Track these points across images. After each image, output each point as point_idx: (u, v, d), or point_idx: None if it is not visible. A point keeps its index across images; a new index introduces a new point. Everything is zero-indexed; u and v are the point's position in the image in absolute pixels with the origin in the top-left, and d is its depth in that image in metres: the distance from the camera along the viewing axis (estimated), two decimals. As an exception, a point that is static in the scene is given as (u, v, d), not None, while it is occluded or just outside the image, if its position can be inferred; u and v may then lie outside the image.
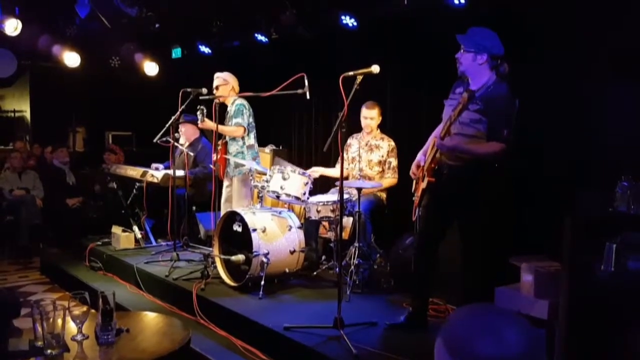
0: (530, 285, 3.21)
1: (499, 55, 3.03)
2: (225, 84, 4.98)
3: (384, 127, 4.86)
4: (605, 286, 2.58)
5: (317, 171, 4.88)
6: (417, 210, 3.40)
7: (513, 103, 3.01)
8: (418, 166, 3.39)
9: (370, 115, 4.68)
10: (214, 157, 4.93)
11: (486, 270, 3.20)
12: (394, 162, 4.68)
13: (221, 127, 4.79)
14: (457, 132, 3.05)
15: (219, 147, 4.91)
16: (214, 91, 4.96)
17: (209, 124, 4.74)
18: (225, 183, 5.09)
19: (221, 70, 5.07)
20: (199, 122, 4.79)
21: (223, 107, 5.04)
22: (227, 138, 4.95)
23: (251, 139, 4.95)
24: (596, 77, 3.48)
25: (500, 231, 3.46)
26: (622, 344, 2.45)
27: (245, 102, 4.94)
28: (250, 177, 4.65)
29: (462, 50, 3.08)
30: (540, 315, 3.07)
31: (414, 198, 3.45)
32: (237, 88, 5.03)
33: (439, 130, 3.28)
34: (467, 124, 3.04)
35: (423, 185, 3.27)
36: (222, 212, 4.85)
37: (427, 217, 3.30)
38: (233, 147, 4.94)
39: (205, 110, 4.71)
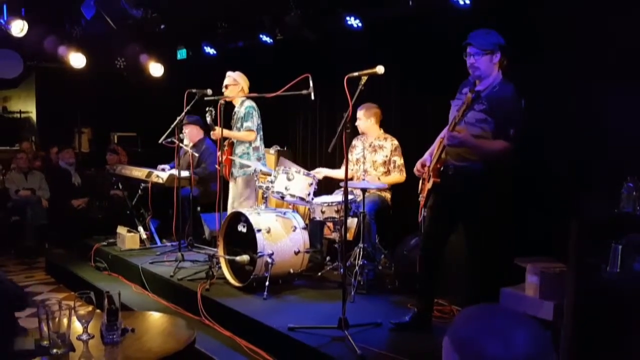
0: (535, 286, 3.21)
1: (507, 51, 3.05)
2: (235, 84, 4.99)
3: (388, 128, 4.86)
4: (610, 287, 2.57)
5: (321, 172, 4.88)
6: (422, 211, 3.39)
7: (519, 103, 3.02)
8: (423, 165, 3.38)
9: (357, 116, 4.68)
10: (220, 157, 4.93)
11: (491, 271, 3.19)
12: (398, 160, 4.66)
13: (232, 134, 4.81)
14: None
15: (225, 148, 4.92)
16: (223, 89, 4.96)
17: (221, 133, 4.67)
18: (232, 184, 5.11)
19: (225, 71, 5.07)
20: (211, 133, 4.80)
21: (228, 106, 5.03)
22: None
23: (257, 141, 4.96)
24: (597, 76, 3.46)
25: (505, 232, 3.45)
26: (627, 345, 2.44)
27: (254, 104, 4.94)
28: (255, 178, 4.65)
29: (471, 56, 3.04)
30: (546, 317, 3.06)
31: (419, 199, 3.45)
32: (246, 89, 5.02)
33: (445, 131, 3.28)
34: (473, 124, 3.05)
35: (428, 185, 3.27)
36: (229, 212, 4.86)
37: (433, 218, 3.30)
38: (239, 148, 4.95)
39: (214, 112, 4.68)
